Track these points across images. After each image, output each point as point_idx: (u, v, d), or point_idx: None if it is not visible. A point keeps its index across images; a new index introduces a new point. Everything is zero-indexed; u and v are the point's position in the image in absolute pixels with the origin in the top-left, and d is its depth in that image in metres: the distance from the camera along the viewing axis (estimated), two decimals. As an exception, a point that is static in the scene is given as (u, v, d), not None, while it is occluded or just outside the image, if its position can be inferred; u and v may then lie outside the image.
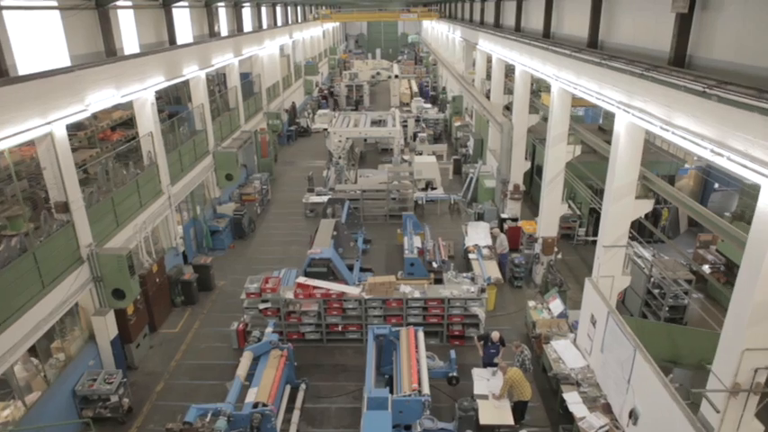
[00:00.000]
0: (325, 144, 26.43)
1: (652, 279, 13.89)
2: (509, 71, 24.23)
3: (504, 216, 19.29)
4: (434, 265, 16.13)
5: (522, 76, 18.38)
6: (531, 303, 13.81)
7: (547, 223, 15.90)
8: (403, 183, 21.26)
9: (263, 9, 32.85)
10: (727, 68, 8.08)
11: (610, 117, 24.88)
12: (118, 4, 15.22)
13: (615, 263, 11.53)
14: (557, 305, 13.36)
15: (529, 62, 16.71)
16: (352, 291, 13.38)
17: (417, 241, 17.65)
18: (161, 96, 20.92)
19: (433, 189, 24.17)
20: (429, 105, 39.73)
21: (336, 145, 24.81)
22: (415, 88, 46.79)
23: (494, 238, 16.42)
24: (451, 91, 38.66)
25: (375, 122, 28.42)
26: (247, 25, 29.48)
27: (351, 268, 16.90)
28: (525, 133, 19.27)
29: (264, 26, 32.79)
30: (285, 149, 32.58)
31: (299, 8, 43.70)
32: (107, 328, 12.00)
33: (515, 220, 19.10)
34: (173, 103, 23.36)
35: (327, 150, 25.89)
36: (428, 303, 13.41)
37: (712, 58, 8.78)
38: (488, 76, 28.47)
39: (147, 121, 15.20)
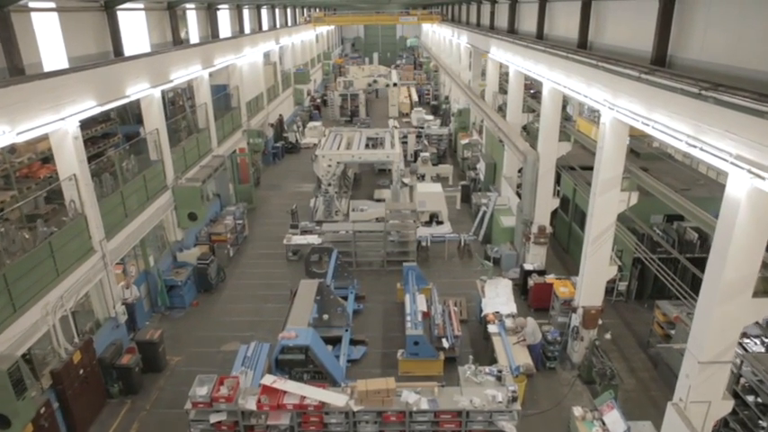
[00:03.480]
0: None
1: (742, 380, 10.30)
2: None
3: (528, 267, 15.69)
4: (445, 343, 12.56)
5: (552, 95, 14.82)
6: (578, 412, 10.19)
7: (590, 290, 12.31)
8: (404, 222, 17.61)
9: (246, 12, 29.27)
10: None
11: (642, 138, 21.40)
12: (31, 5, 11.63)
13: (715, 383, 7.96)
14: (614, 420, 9.75)
15: (564, 80, 13.15)
16: (337, 400, 9.76)
17: (422, 301, 14.09)
18: (110, 118, 17.30)
19: (438, 223, 20.61)
20: (431, 117, 36.23)
21: (326, 170, 21.23)
22: (416, 97, 43.30)
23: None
24: (456, 101, 35.11)
25: (371, 139, 24.94)
26: (226, 30, 25.93)
27: (338, 341, 13.49)
28: (554, 165, 15.71)
29: (247, 31, 29.22)
30: (270, 170, 28.95)
31: (288, 10, 40.09)
32: (-18, 471, 8.40)
33: (542, 272, 15.51)
34: (132, 122, 19.66)
35: (315, 176, 22.33)
36: (439, 416, 9.82)
37: None
38: (501, 89, 24.97)
39: (69, 161, 11.59)
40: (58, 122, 10.83)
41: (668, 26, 9.94)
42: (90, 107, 11.89)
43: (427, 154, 26.00)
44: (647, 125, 8.98)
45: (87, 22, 14.02)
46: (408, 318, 13.18)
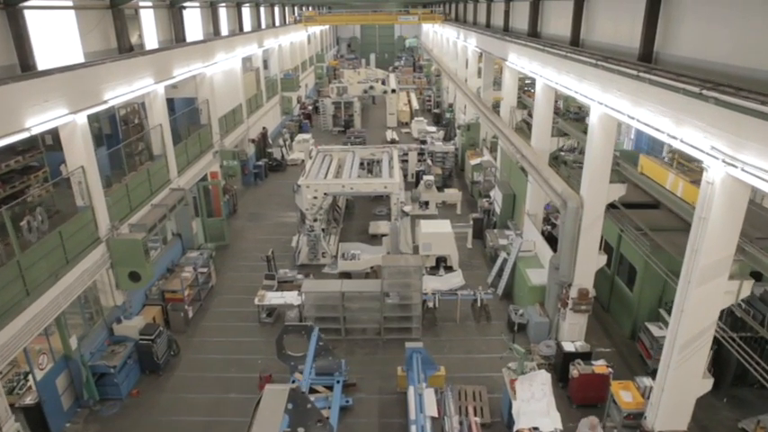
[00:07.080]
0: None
1: None
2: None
3: (568, 348, 12.00)
4: (467, 485, 8.89)
5: (604, 124, 11.13)
6: None
7: (673, 409, 8.65)
8: (405, 281, 13.86)
9: (223, 11, 25.50)
10: None
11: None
12: None
13: None
14: None
15: (629, 109, 9.47)
16: None
17: (430, 399, 10.44)
18: (28, 147, 13.56)
19: (447, 268, 16.97)
20: (433, 128, 32.58)
21: (311, 203, 17.55)
22: (416, 104, 39.63)
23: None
24: (461, 111, 31.40)
25: (366, 161, 21.33)
26: (197, 33, 22.18)
27: (318, 464, 9.76)
28: (602, 214, 12.01)
29: (225, 32, 25.48)
30: (250, 193, 25.20)
31: (276, 9, 36.30)
32: None
33: (588, 355, 11.84)
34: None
35: (298, 209, 18.61)
36: None
37: None
38: (521, 103, 21.27)
39: None
40: None
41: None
42: (-49, 153, 8.17)
43: (431, 177, 22.27)
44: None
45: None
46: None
